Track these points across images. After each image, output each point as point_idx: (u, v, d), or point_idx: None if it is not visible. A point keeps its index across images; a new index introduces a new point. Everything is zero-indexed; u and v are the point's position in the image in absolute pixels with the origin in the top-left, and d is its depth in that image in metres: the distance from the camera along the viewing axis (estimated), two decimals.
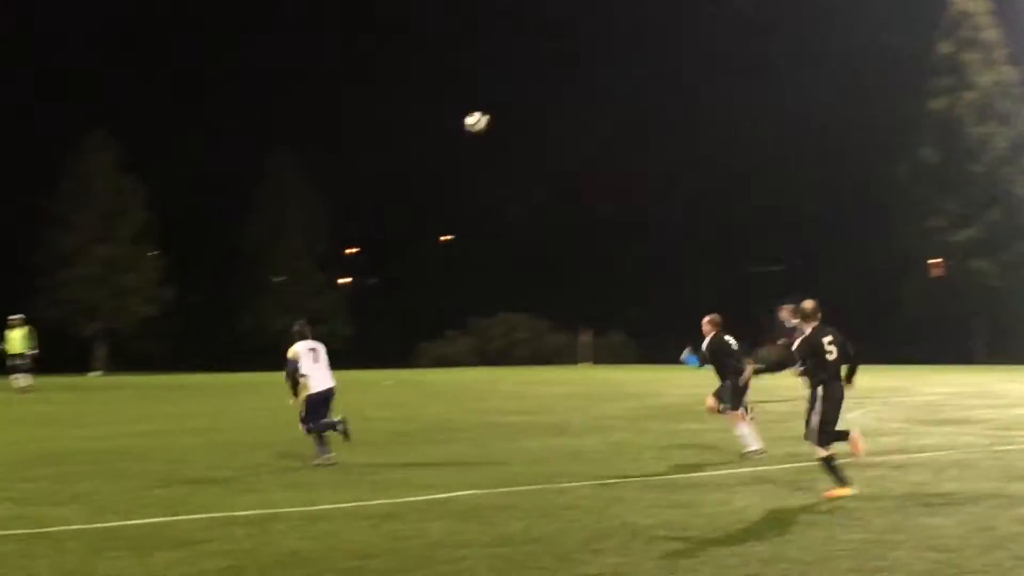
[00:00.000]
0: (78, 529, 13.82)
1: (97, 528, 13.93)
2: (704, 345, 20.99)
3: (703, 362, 20.97)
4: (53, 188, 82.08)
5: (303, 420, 20.40)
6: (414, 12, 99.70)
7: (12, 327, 46.54)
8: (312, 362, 20.60)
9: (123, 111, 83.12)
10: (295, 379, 20.39)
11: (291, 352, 20.60)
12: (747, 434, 20.52)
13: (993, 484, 16.50)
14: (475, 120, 22.01)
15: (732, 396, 20.69)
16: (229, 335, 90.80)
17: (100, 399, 43.06)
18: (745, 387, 20.74)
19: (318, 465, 19.72)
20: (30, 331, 46.41)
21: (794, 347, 16.19)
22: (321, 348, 20.85)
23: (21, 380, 45.70)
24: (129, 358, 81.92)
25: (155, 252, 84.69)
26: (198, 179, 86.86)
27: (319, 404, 20.50)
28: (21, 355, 46.08)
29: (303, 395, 20.47)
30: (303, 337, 20.84)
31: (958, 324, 76.98)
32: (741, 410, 20.64)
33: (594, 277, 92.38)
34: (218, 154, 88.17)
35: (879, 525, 13.48)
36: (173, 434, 22.71)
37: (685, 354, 21.33)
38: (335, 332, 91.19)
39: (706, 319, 21.07)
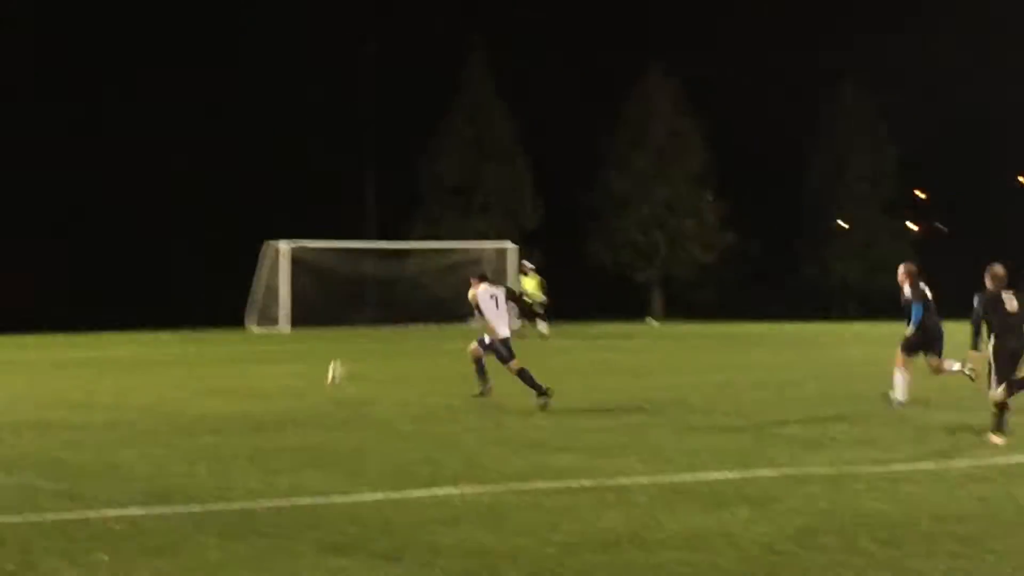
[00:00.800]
0: (646, 483, 14.19)
1: (664, 482, 14.26)
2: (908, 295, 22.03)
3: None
4: (610, 129, 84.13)
5: (490, 346, 22.36)
6: None
7: (525, 273, 48.15)
8: (494, 308, 22.30)
9: (678, 51, 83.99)
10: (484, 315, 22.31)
11: (471, 295, 22.43)
12: (899, 382, 21.39)
13: None
14: (331, 376, 24.31)
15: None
16: (790, 283, 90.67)
17: (661, 348, 43.91)
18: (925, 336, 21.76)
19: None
20: (541, 283, 47.90)
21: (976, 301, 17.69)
22: (501, 294, 22.66)
23: (539, 326, 47.08)
24: (685, 305, 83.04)
25: (713, 196, 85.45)
26: (756, 119, 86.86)
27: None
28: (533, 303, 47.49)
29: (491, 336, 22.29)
30: (484, 280, 22.67)
31: None
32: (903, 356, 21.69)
33: None
34: (777, 94, 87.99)
35: None
36: (738, 386, 22.79)
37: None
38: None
39: (901, 268, 22.36)
